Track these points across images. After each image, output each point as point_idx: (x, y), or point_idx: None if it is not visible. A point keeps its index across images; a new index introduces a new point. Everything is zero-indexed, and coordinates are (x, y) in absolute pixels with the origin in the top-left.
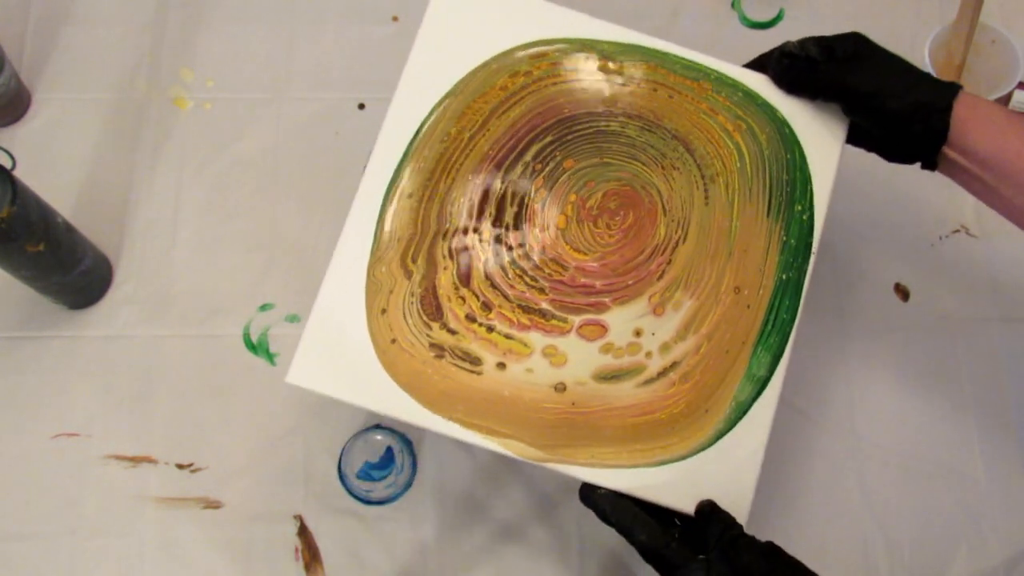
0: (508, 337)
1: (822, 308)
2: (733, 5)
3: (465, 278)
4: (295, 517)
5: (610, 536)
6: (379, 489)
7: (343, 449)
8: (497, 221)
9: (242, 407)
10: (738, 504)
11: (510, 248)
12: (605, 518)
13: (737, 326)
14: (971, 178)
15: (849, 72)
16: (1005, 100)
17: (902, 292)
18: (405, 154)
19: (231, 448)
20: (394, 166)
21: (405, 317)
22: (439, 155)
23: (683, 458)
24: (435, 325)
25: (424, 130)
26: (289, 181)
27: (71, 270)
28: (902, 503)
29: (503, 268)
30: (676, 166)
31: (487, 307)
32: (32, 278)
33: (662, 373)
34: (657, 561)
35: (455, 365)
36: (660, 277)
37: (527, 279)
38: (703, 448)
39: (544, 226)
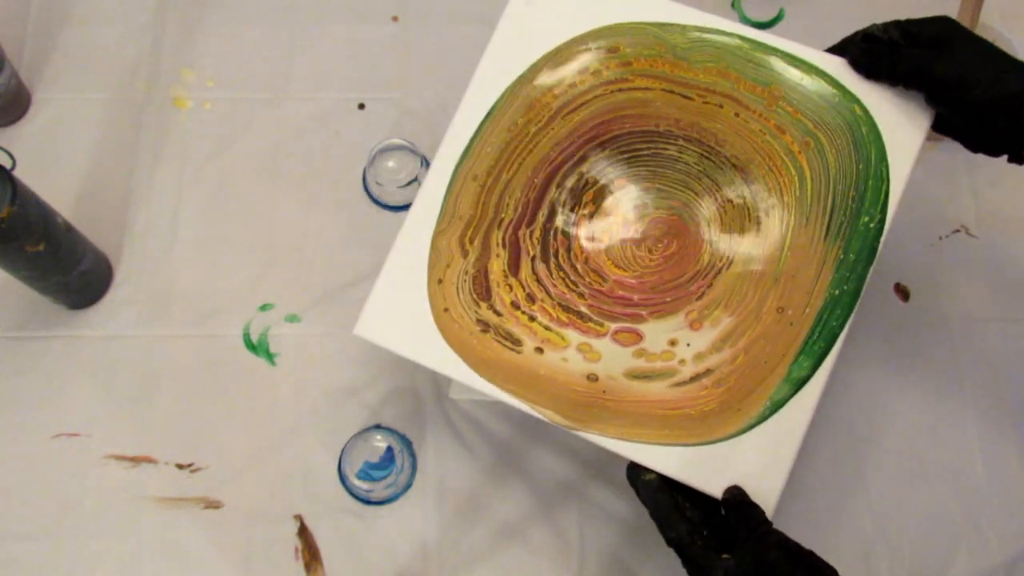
0: (547, 328)
1: None
2: (733, 5)
3: (514, 268)
4: (295, 517)
5: (610, 536)
6: (379, 489)
7: (343, 449)
8: (549, 223)
9: (242, 407)
10: (768, 494)
11: (556, 252)
12: (643, 502)
13: (778, 342)
14: None
15: (932, 58)
16: None
17: (902, 292)
18: (475, 134)
19: (231, 448)
20: (464, 144)
21: (458, 292)
22: (505, 143)
23: (712, 442)
24: (483, 305)
25: (494, 112)
26: (289, 181)
27: (71, 270)
28: (902, 503)
29: (548, 268)
30: (731, 199)
31: (531, 299)
32: (32, 278)
33: (695, 378)
34: (684, 559)
35: (497, 341)
36: (699, 298)
37: (568, 282)
38: (732, 434)
39: (590, 238)
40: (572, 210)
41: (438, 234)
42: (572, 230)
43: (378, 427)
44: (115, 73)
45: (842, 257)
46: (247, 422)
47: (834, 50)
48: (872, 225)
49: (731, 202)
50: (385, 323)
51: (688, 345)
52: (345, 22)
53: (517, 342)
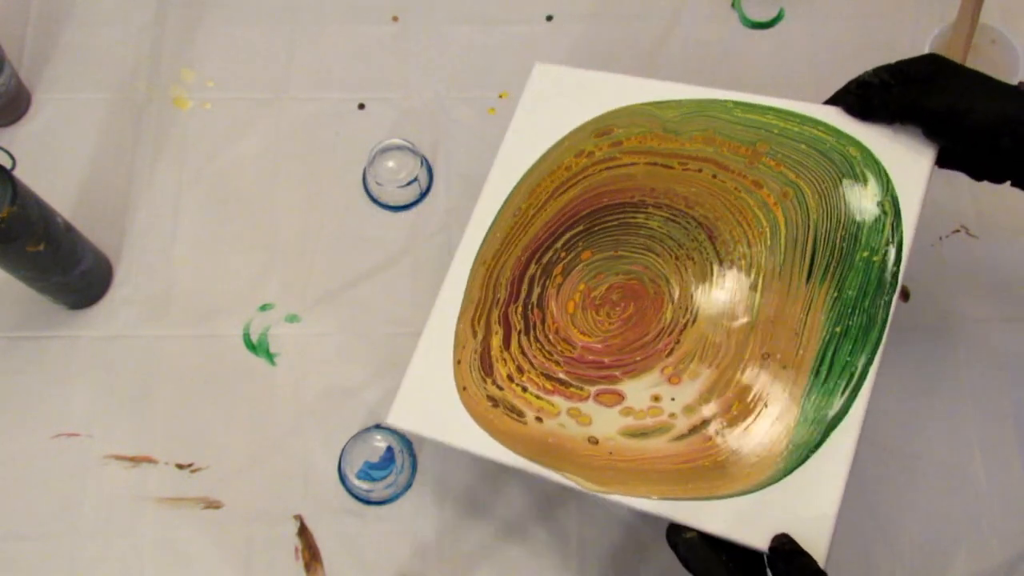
0: (538, 397)
1: None
2: (733, 5)
3: (507, 343)
4: (295, 517)
5: (610, 536)
6: (379, 489)
7: (343, 449)
8: (528, 299)
9: (242, 407)
10: (816, 542)
11: (534, 325)
12: (685, 564)
13: (773, 386)
14: None
15: (924, 93)
16: None
17: (902, 292)
18: (492, 223)
19: (231, 448)
20: (483, 234)
21: (470, 370)
22: (509, 228)
23: (749, 492)
24: (488, 380)
25: (506, 202)
26: (289, 181)
27: (71, 270)
28: (902, 503)
29: (529, 341)
30: (692, 256)
31: (520, 370)
32: (32, 278)
33: (693, 430)
34: None
35: (506, 415)
36: (669, 354)
37: (545, 352)
38: (767, 483)
39: (560, 308)
40: (544, 285)
41: (461, 318)
42: (545, 303)
43: (378, 427)
44: (115, 73)
45: (836, 295)
46: (247, 422)
47: (830, 102)
48: (876, 258)
49: (692, 259)
50: (417, 409)
51: (673, 399)
52: (345, 22)
53: (520, 414)
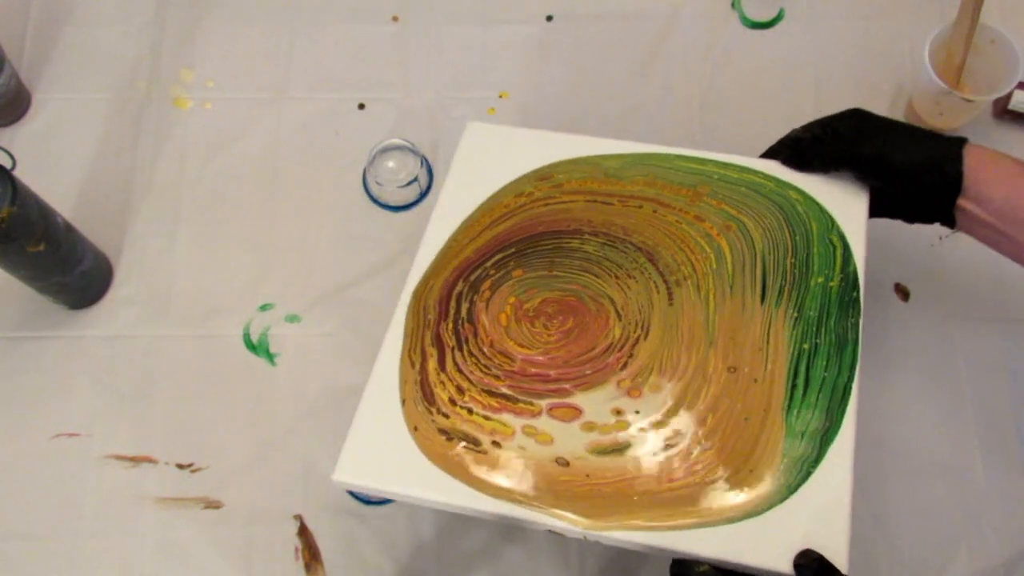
0: (487, 418)
1: None
2: (733, 5)
3: (442, 363)
4: (295, 517)
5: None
6: None
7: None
8: (457, 314)
9: (242, 407)
10: (835, 555)
11: (466, 339)
12: None
13: (747, 398)
14: (989, 229)
15: (856, 143)
16: (1005, 100)
17: (902, 292)
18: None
19: (231, 448)
20: (420, 275)
21: (416, 404)
22: (440, 255)
23: (756, 513)
24: (432, 410)
25: (445, 245)
26: (289, 181)
27: (71, 270)
28: (902, 503)
29: (463, 356)
30: (632, 275)
31: (460, 391)
32: (32, 278)
33: (669, 444)
34: None
35: (464, 448)
36: (623, 367)
37: (482, 367)
38: (775, 500)
39: (492, 321)
40: (472, 300)
41: (403, 356)
42: (475, 316)
43: None
44: (115, 73)
45: (796, 315)
46: (247, 422)
47: (766, 156)
48: (832, 284)
49: (633, 278)
50: (368, 460)
51: (637, 412)
52: (345, 22)
53: (476, 441)
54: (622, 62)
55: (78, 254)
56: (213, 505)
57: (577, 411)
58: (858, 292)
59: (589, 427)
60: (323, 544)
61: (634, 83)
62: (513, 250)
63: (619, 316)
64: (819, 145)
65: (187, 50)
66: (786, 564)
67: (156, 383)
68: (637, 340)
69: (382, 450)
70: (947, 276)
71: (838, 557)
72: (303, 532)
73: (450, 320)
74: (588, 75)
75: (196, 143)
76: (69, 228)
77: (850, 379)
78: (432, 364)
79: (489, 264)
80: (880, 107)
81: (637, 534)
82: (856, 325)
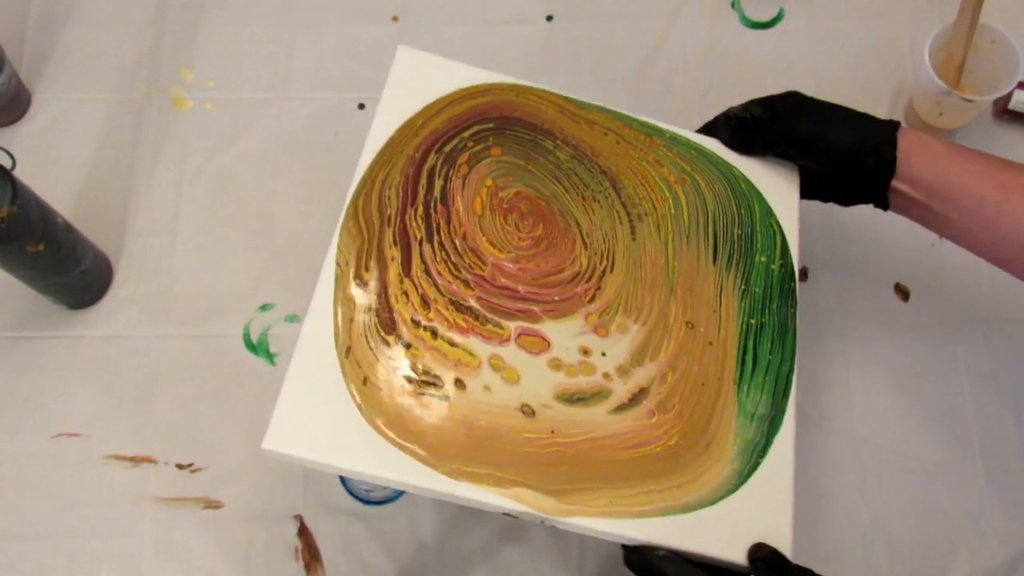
0: (452, 344)
1: (822, 308)
2: (733, 5)
3: (407, 265)
4: (295, 517)
5: None
6: (379, 489)
7: None
8: (428, 195)
9: (242, 407)
10: (780, 545)
11: (438, 227)
12: None
13: (704, 361)
14: (922, 208)
15: (793, 123)
16: (1005, 100)
17: (902, 292)
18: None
19: (231, 448)
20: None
21: (368, 342)
22: (379, 154)
23: (711, 502)
24: (391, 340)
25: (390, 138)
26: (289, 181)
27: (71, 270)
28: (902, 503)
29: (433, 249)
30: (597, 199)
31: (426, 304)
32: (32, 278)
33: (633, 400)
34: None
35: (424, 394)
36: (591, 300)
37: (451, 266)
38: (729, 488)
39: (466, 206)
40: (447, 175)
41: (336, 302)
42: (449, 197)
43: None
44: (115, 73)
45: (744, 287)
46: (247, 422)
47: (703, 131)
48: (774, 267)
49: (597, 202)
50: (303, 427)
51: (604, 355)
52: (345, 22)
53: (438, 381)
54: (622, 62)
55: (78, 254)
56: (213, 505)
57: (545, 343)
58: (795, 284)
59: (556, 364)
60: (323, 544)
61: (634, 83)
62: (492, 125)
63: (585, 244)
64: (760, 126)
65: (187, 50)
66: (739, 554)
67: (156, 383)
68: (604, 272)
69: (319, 415)
70: (947, 276)
71: (784, 548)
72: (303, 532)
73: (419, 204)
74: (588, 75)
75: (196, 143)
76: (69, 228)
77: (791, 369)
78: (393, 272)
79: (467, 135)
80: (880, 107)
81: (599, 521)
82: (794, 316)
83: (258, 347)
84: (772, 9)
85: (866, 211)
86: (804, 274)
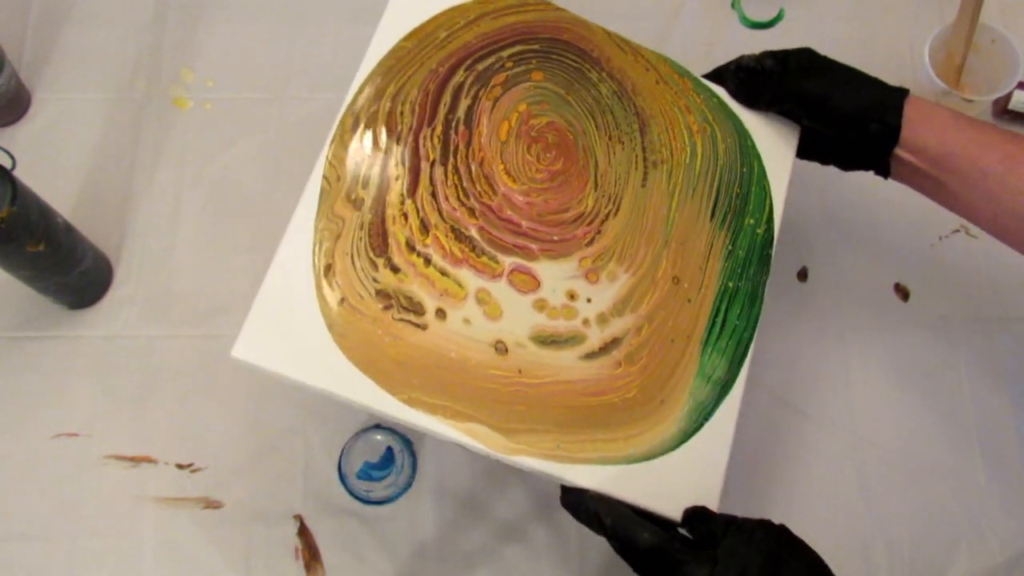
0: (443, 273)
1: (822, 308)
2: (733, 5)
3: (413, 186)
4: (295, 517)
5: None
6: (379, 489)
7: (343, 449)
8: (451, 114)
9: (242, 407)
10: (708, 504)
11: (456, 149)
12: (596, 522)
13: (679, 317)
14: (923, 178)
15: (803, 80)
16: (1005, 100)
17: (902, 292)
18: (359, 89)
19: (231, 448)
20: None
21: (353, 261)
22: (389, 63)
23: (651, 456)
24: (380, 262)
25: (404, 45)
26: (289, 181)
27: (71, 270)
28: (902, 503)
29: (445, 172)
30: (622, 140)
31: (425, 228)
32: (32, 278)
33: (604, 349)
34: (659, 562)
35: (402, 320)
36: (589, 244)
37: (461, 192)
38: (670, 446)
39: (492, 131)
40: (476, 95)
41: (319, 216)
42: (475, 119)
43: (378, 427)
44: (115, 73)
45: (731, 249)
46: (247, 422)
47: (710, 77)
48: (759, 231)
49: (622, 143)
50: (271, 338)
51: (589, 301)
52: (345, 22)
53: (419, 309)
54: None
55: (78, 254)
56: (213, 505)
57: (536, 282)
58: (772, 251)
59: (541, 305)
60: (323, 544)
61: None
62: (537, 47)
63: (596, 185)
64: (769, 79)
65: (187, 50)
66: (670, 507)
67: (156, 383)
68: (607, 216)
69: (288, 330)
70: (947, 276)
71: (711, 506)
72: (303, 532)
73: (438, 123)
74: None
75: (196, 143)
76: (69, 228)
77: (751, 337)
78: (395, 193)
79: (507, 55)
80: None
81: (542, 463)
82: (764, 284)
83: None
84: (772, 9)
85: (864, 211)
86: (804, 274)
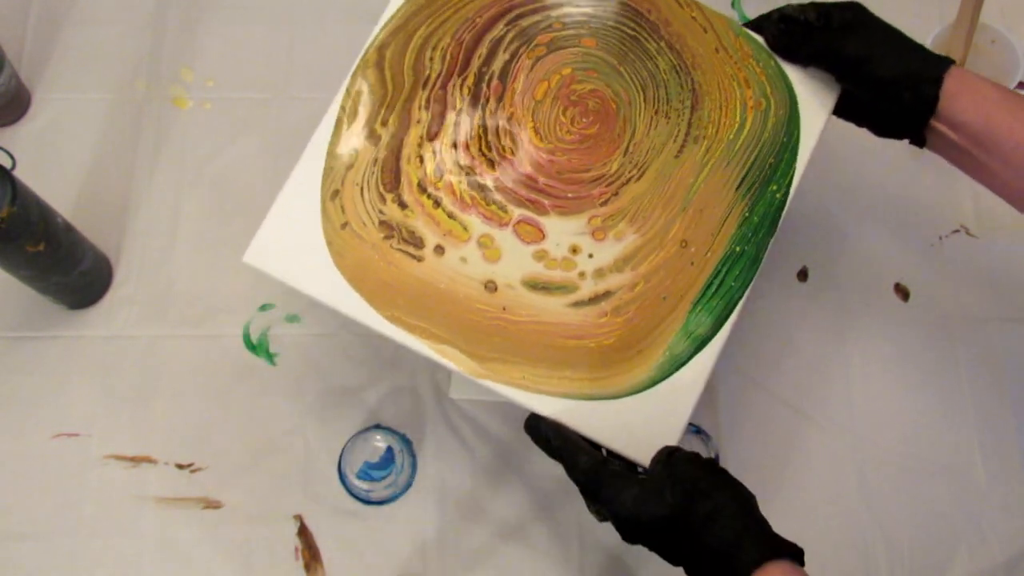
0: (450, 216)
1: (822, 308)
2: (733, 5)
3: (433, 132)
4: (295, 517)
5: (610, 536)
6: (379, 489)
7: (343, 449)
8: (485, 67)
9: (242, 407)
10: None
11: (486, 102)
12: (547, 446)
13: (677, 279)
14: (960, 153)
15: (844, 39)
16: None
17: (902, 292)
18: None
19: (231, 448)
20: (367, 44)
21: (362, 192)
22: (421, 6)
23: (613, 397)
24: (389, 198)
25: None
26: None
27: (71, 270)
28: (902, 503)
29: (471, 123)
30: (669, 115)
31: (439, 172)
32: (32, 278)
33: (593, 299)
34: (596, 483)
35: (400, 250)
36: (603, 204)
37: (483, 144)
38: (636, 391)
39: (528, 88)
40: (517, 51)
41: (334, 143)
42: (511, 74)
43: (378, 427)
44: (115, 73)
45: (747, 215)
46: (247, 422)
47: (751, 26)
48: (779, 195)
49: (668, 118)
50: (278, 248)
51: (590, 257)
52: (345, 22)
53: (419, 243)
54: None
55: (78, 254)
56: (213, 505)
57: (540, 235)
58: (782, 214)
59: (540, 255)
60: (323, 544)
61: None
62: (590, 10)
63: (625, 151)
64: (810, 33)
65: (187, 50)
66: (623, 446)
67: (156, 383)
68: (629, 180)
69: (294, 242)
70: (947, 276)
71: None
72: (303, 532)
73: (471, 74)
74: None
75: (196, 143)
76: (69, 228)
77: (741, 297)
78: (415, 134)
79: (556, 15)
80: None
81: (505, 388)
82: (767, 246)
83: (258, 347)
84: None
85: (865, 210)
86: (804, 274)
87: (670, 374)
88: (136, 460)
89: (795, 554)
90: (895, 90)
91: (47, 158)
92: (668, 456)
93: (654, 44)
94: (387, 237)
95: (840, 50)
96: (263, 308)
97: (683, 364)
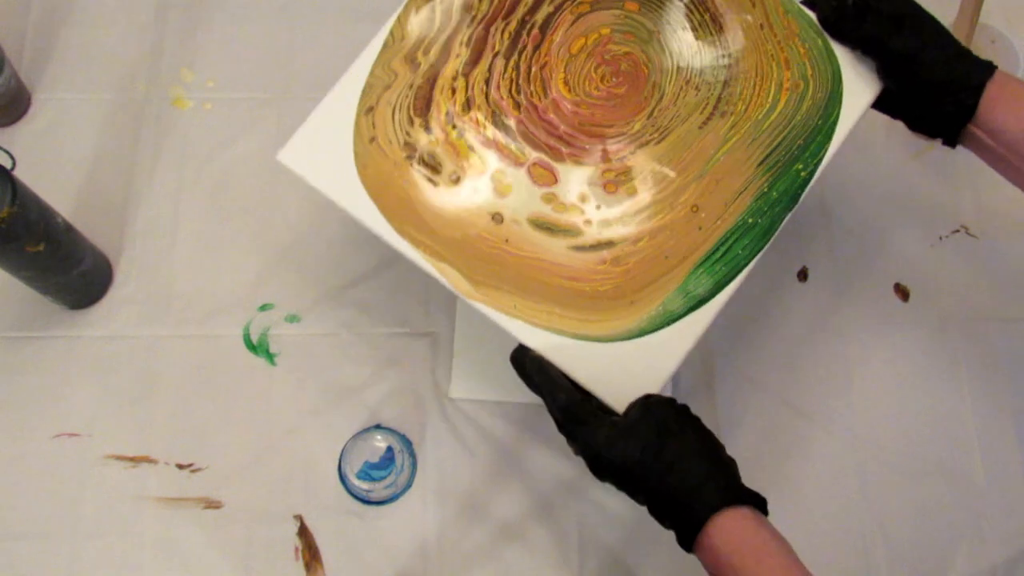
0: (471, 149)
1: (823, 307)
2: None
3: (469, 67)
4: (295, 517)
5: (610, 536)
6: (379, 489)
7: (343, 449)
8: (529, 15)
9: (242, 407)
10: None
11: (523, 49)
12: (529, 381)
13: (683, 240)
14: (996, 157)
15: (893, 31)
16: None
17: (902, 292)
18: None
19: (231, 448)
20: None
21: (394, 113)
22: None
23: (600, 340)
24: (418, 122)
25: None
26: (289, 181)
27: (71, 270)
28: (902, 503)
29: (506, 66)
30: (699, 88)
31: (468, 106)
32: (32, 278)
33: (595, 246)
34: (572, 419)
35: (419, 171)
36: (620, 159)
37: (513, 87)
38: (622, 338)
39: (564, 42)
40: (563, 4)
41: (378, 63)
42: (552, 27)
43: (378, 427)
44: (115, 73)
45: (765, 191)
46: (247, 422)
47: (804, 1)
48: (804, 173)
49: (698, 89)
50: (310, 153)
51: (599, 208)
52: (345, 22)
53: (437, 168)
54: None
55: (78, 254)
56: (213, 505)
57: (553, 178)
58: (806, 190)
59: (550, 198)
60: (323, 544)
61: None
62: None
63: (650, 115)
64: (857, 18)
65: (187, 50)
66: (601, 389)
67: (156, 383)
68: (648, 142)
69: (325, 149)
70: (947, 276)
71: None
72: (303, 532)
73: (514, 20)
74: None
75: (196, 143)
76: (69, 228)
77: (747, 264)
78: (452, 67)
79: None
80: None
81: (495, 313)
82: (783, 219)
83: (258, 347)
84: None
85: (865, 210)
86: (804, 274)
87: (661, 327)
88: (136, 460)
89: (758, 502)
90: (937, 96)
91: (47, 158)
92: (644, 400)
93: (697, 16)
94: (408, 157)
95: (888, 42)
96: (263, 308)
97: (676, 319)
